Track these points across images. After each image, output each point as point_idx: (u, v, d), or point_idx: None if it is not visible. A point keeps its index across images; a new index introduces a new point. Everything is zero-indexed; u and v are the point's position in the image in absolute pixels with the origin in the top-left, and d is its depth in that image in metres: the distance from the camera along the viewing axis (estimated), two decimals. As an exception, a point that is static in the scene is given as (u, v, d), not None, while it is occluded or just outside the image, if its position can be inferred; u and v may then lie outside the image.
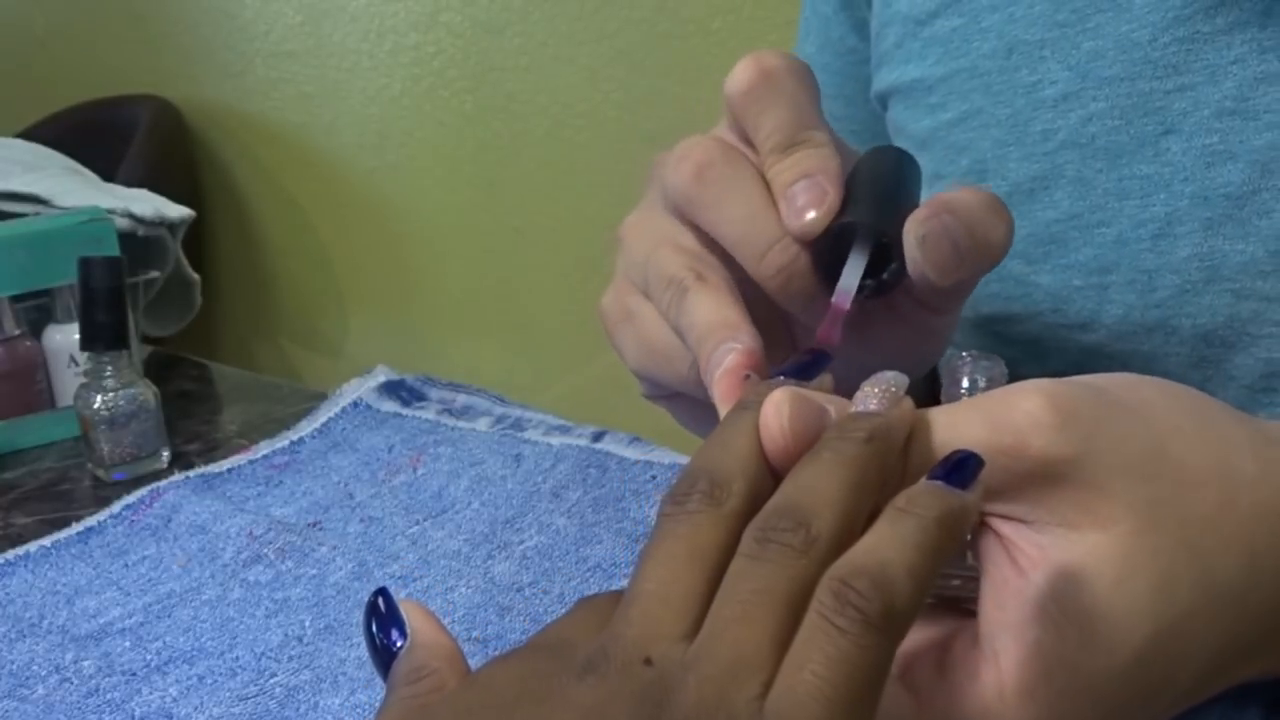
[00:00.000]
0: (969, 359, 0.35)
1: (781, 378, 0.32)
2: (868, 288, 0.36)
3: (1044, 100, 0.48)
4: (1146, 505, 0.30)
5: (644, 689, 0.24)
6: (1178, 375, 0.46)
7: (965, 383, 0.35)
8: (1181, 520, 0.30)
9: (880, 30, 0.56)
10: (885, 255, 0.36)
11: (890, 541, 0.26)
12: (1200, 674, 0.31)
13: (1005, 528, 0.31)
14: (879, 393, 0.30)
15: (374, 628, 0.29)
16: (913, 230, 0.34)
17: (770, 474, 0.29)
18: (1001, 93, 0.49)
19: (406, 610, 0.29)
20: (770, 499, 0.28)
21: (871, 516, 0.28)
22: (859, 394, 0.30)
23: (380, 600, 0.29)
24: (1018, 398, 0.30)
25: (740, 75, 0.38)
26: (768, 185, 0.37)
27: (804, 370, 0.32)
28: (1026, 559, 0.30)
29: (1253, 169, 0.43)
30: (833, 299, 0.35)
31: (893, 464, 0.30)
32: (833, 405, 0.30)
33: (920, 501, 0.26)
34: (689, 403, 0.42)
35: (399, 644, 0.29)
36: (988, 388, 0.35)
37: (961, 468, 0.28)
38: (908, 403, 0.30)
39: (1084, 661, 0.29)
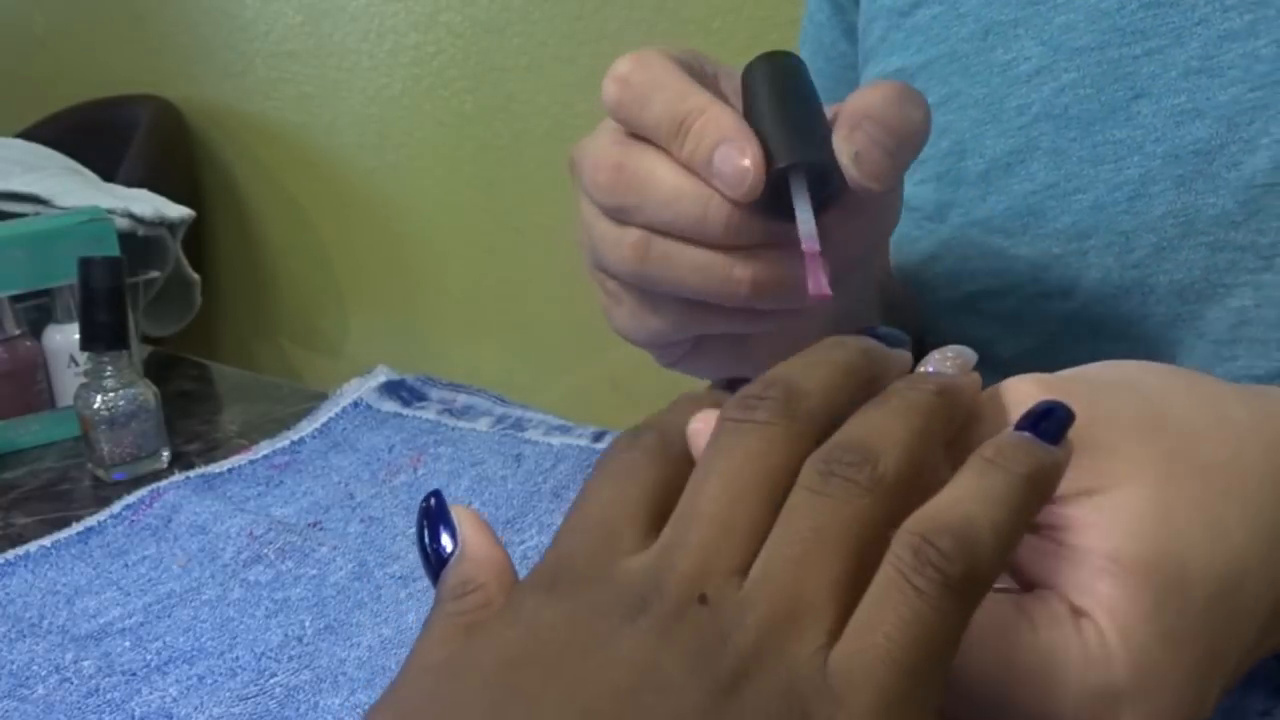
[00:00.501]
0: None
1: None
2: (816, 209, 0.37)
3: (1019, 77, 0.49)
4: (1164, 457, 0.30)
5: (699, 635, 0.23)
6: (1155, 335, 0.47)
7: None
8: (1203, 467, 0.30)
9: (866, 26, 0.57)
10: (819, 177, 0.36)
11: (976, 495, 0.24)
12: (1262, 624, 0.31)
13: None
14: (949, 360, 0.30)
15: (425, 533, 0.28)
16: (844, 150, 0.36)
17: (852, 405, 0.28)
18: (978, 73, 0.50)
19: (458, 516, 0.28)
20: (835, 431, 0.26)
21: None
22: (926, 359, 0.30)
23: (432, 502, 0.28)
24: (1010, 386, 0.31)
25: (607, 93, 0.39)
26: (674, 159, 0.38)
27: (890, 340, 0.31)
28: (1059, 532, 0.30)
29: (1220, 124, 0.44)
30: (804, 248, 0.36)
31: (958, 424, 0.29)
32: None
33: (1009, 454, 0.25)
34: (713, 344, 0.43)
35: (448, 550, 0.27)
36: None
37: (1050, 418, 0.26)
38: (976, 376, 0.30)
39: (1161, 611, 0.29)
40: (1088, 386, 0.31)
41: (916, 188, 0.53)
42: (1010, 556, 0.24)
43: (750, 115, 0.38)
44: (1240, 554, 0.30)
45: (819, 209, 0.37)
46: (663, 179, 0.37)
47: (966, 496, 0.24)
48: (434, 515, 0.28)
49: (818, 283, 0.36)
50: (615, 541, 0.25)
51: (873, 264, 0.50)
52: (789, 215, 0.37)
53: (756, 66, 0.39)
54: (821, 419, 0.27)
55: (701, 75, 0.40)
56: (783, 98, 0.38)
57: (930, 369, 0.30)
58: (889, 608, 0.23)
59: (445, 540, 0.28)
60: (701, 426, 0.32)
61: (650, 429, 0.28)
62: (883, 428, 0.26)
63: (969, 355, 0.30)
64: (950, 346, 0.30)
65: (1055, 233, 0.48)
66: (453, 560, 0.27)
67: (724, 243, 0.37)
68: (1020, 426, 0.26)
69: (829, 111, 0.38)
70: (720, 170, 0.36)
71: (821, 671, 0.22)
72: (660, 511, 0.26)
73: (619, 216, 0.39)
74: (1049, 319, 0.49)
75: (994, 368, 0.53)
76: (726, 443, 0.26)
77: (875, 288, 0.52)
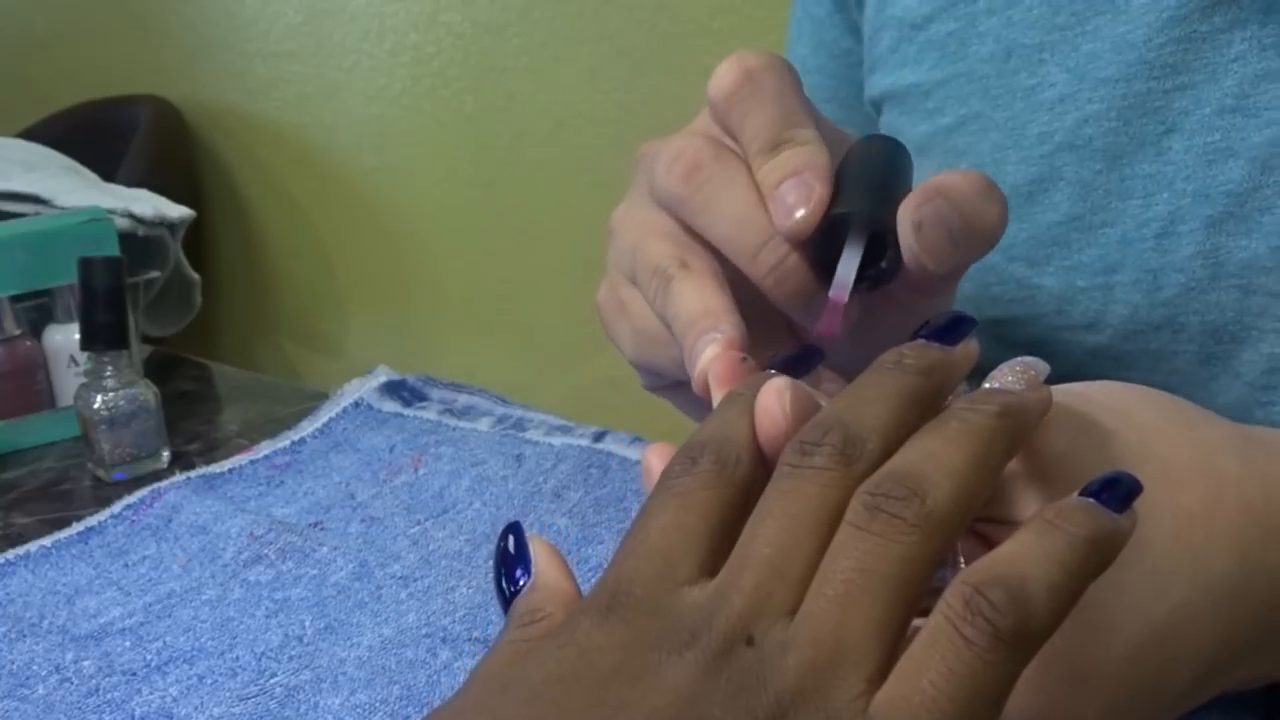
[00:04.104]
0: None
1: (772, 372, 0.31)
2: (867, 279, 0.35)
3: (1042, 103, 0.48)
4: None
5: (742, 675, 0.23)
6: (1186, 373, 0.46)
7: None
8: (1169, 515, 0.30)
9: (873, 35, 0.56)
10: (880, 245, 0.35)
11: (1034, 555, 0.24)
12: (1198, 674, 0.31)
13: (988, 529, 0.30)
14: (1019, 373, 0.29)
15: (502, 573, 0.28)
16: (907, 217, 0.34)
17: (914, 430, 0.27)
18: (1000, 96, 0.49)
19: (534, 548, 0.28)
20: (886, 462, 0.26)
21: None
22: (995, 372, 0.29)
23: (510, 540, 0.29)
24: None
25: (723, 77, 0.37)
26: (758, 185, 0.36)
27: (795, 364, 0.31)
28: None
29: (1254, 166, 0.43)
30: (830, 293, 0.35)
31: (1021, 446, 0.28)
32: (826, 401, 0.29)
33: (1072, 517, 0.25)
34: (690, 391, 0.41)
35: (522, 581, 0.28)
36: None
37: (1116, 486, 0.26)
38: (1047, 390, 0.29)
39: (1079, 652, 0.29)
40: (1081, 414, 0.31)
41: None
42: (1066, 614, 0.24)
43: (839, 171, 0.37)
44: (1176, 610, 0.29)
45: (871, 284, 0.36)
46: (735, 198, 0.36)
47: (1024, 553, 0.24)
48: (511, 557, 0.29)
49: (831, 323, 0.35)
50: (673, 571, 0.26)
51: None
52: (834, 264, 0.35)
53: (864, 138, 0.39)
54: (881, 461, 0.26)
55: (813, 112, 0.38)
56: (871, 162, 0.37)
57: (996, 384, 0.29)
58: (936, 656, 0.22)
59: (519, 574, 0.28)
60: (655, 461, 0.32)
61: (707, 450, 0.28)
62: (936, 456, 0.25)
63: (1040, 367, 0.29)
64: (1020, 358, 0.29)
65: (1081, 265, 0.47)
66: (525, 589, 0.28)
67: (765, 284, 0.36)
68: (1085, 492, 0.26)
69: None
70: (781, 197, 0.35)
71: (862, 717, 0.22)
72: (719, 538, 0.26)
73: (676, 212, 0.38)
74: (1074, 349, 0.49)
75: None
76: (784, 486, 0.26)
77: None
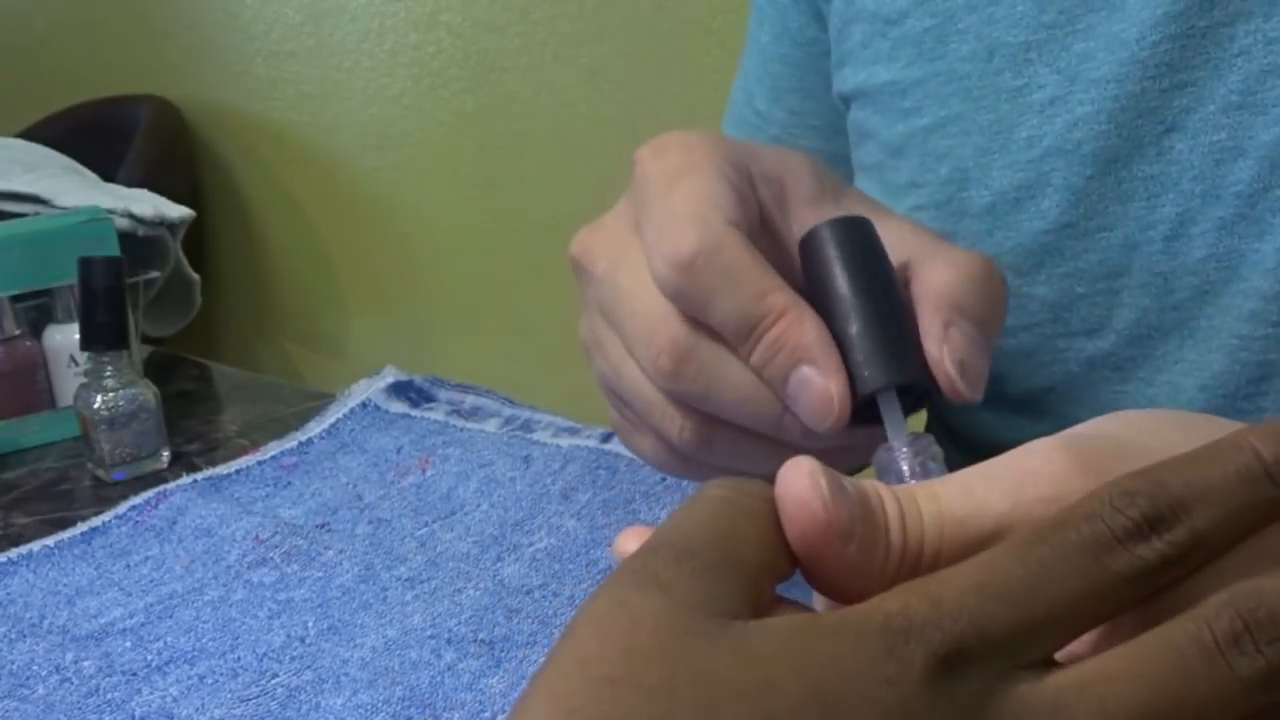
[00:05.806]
0: (901, 448, 0.32)
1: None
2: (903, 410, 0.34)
3: (1030, 105, 0.46)
4: None
5: None
6: (1176, 383, 0.45)
7: (907, 471, 0.31)
8: None
9: (843, 28, 0.54)
10: (908, 389, 0.34)
11: None
12: None
13: None
14: None
15: None
16: (947, 360, 0.34)
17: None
18: (983, 97, 0.47)
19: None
20: (1251, 579, 0.21)
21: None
22: None
23: None
24: (1033, 458, 0.26)
25: (666, 279, 0.35)
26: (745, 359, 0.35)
27: None
28: None
29: (1263, 165, 0.42)
30: (906, 472, 0.32)
31: None
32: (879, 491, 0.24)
33: None
34: (653, 438, 0.40)
35: None
36: (924, 472, 0.31)
37: None
38: None
39: None
40: (1118, 455, 0.27)
41: (910, 214, 0.49)
42: None
43: (818, 302, 0.34)
44: None
45: (908, 409, 0.34)
46: (737, 380, 0.35)
47: None
48: None
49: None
50: (1031, 647, 0.22)
51: None
52: (870, 419, 0.33)
53: (823, 237, 0.35)
54: (1200, 546, 0.21)
55: (747, 194, 0.36)
56: (860, 289, 0.34)
57: None
58: None
59: None
60: (631, 545, 0.26)
61: (1161, 523, 0.22)
62: None
63: None
64: None
65: (1078, 271, 0.46)
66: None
67: (801, 445, 0.35)
68: None
69: (901, 275, 0.35)
70: (797, 397, 0.34)
71: None
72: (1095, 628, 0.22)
73: (677, 399, 0.37)
74: (1070, 358, 0.47)
75: (1001, 406, 0.51)
76: (1186, 653, 0.20)
77: None
